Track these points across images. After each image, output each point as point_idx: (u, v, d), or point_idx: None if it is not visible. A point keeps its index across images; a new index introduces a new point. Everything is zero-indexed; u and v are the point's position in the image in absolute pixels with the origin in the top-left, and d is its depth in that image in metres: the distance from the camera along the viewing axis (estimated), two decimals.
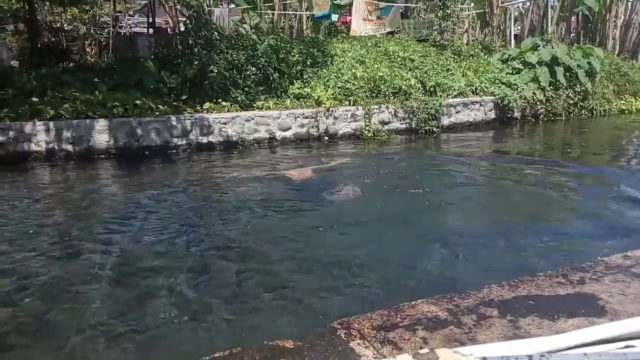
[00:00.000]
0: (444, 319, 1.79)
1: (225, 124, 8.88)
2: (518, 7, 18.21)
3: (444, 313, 1.84)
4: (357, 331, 1.72)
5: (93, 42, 15.64)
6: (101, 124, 8.02)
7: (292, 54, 10.61)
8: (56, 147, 7.78)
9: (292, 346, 1.62)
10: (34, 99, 8.12)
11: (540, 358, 1.36)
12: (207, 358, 1.61)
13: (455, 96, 11.43)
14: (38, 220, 5.03)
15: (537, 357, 1.36)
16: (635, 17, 18.33)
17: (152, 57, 10.20)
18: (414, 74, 11.23)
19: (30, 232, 4.64)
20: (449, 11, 13.38)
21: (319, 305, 3.20)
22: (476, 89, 11.91)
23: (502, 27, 17.35)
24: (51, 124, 7.74)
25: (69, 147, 7.86)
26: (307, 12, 14.94)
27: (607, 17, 17.66)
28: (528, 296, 1.97)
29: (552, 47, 13.04)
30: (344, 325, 1.77)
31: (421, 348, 1.53)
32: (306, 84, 10.31)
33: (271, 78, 9.93)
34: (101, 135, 8.02)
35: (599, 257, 2.51)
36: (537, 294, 2.00)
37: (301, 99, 9.91)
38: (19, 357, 2.74)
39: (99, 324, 3.00)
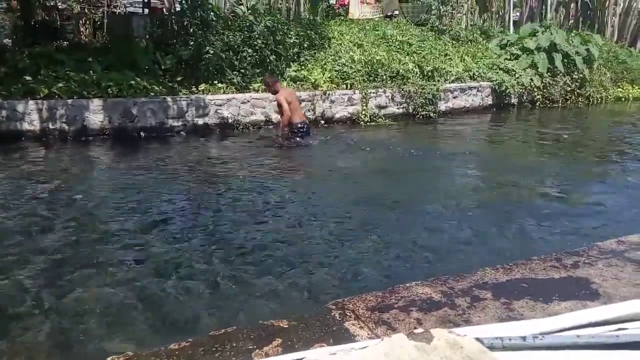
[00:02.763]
0: (438, 301, 1.80)
1: (221, 105, 8.80)
2: None
3: (438, 295, 1.84)
4: (352, 312, 1.72)
5: (87, 21, 15.35)
6: (96, 103, 7.94)
7: (289, 36, 10.49)
8: (50, 126, 7.69)
9: (287, 326, 1.62)
10: (28, 78, 8.00)
11: (534, 339, 1.37)
12: (202, 336, 1.61)
13: (453, 81, 11.39)
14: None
15: (530, 338, 1.37)
16: (635, 4, 18.23)
17: (147, 37, 10.06)
18: (411, 58, 11.15)
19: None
20: None
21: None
22: (474, 74, 11.86)
23: (501, 13, 17.22)
24: (45, 103, 7.65)
25: (64, 127, 7.78)
26: None
27: (607, 4, 17.56)
28: (522, 279, 1.98)
29: (551, 34, 12.98)
30: (338, 306, 1.77)
31: (415, 328, 1.53)
32: (303, 67, 10.21)
33: (268, 60, 9.83)
34: (96, 115, 7.93)
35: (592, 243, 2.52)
36: (531, 277, 2.00)
37: (298, 82, 9.82)
38: None
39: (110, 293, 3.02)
